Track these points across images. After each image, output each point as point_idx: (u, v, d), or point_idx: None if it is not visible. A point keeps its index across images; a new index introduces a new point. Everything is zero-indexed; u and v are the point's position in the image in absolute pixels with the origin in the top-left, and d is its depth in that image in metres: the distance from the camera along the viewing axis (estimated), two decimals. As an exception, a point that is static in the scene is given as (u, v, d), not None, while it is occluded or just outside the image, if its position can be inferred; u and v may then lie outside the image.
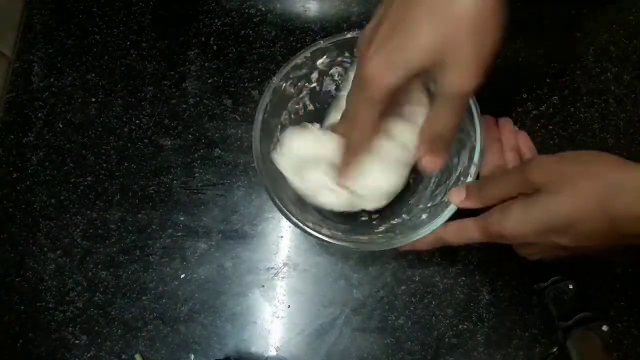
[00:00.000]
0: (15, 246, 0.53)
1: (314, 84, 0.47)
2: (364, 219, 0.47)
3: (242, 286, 0.51)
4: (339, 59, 0.45)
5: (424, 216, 0.42)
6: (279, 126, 0.45)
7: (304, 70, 0.45)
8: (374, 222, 0.46)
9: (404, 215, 0.45)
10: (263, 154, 0.42)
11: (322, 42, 0.43)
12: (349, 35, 0.43)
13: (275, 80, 0.43)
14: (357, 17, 0.58)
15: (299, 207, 0.42)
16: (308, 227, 0.39)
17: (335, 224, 0.45)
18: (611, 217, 0.30)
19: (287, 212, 0.39)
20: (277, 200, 0.40)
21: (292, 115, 0.47)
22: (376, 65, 0.33)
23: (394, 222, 0.45)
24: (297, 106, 0.47)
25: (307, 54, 0.43)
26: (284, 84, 0.44)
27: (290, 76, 0.44)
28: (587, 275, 0.47)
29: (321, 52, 0.44)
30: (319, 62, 0.45)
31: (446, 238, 0.40)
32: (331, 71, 0.46)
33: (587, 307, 0.47)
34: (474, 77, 0.32)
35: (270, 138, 0.44)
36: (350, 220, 0.46)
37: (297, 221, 0.39)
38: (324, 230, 0.40)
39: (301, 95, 0.47)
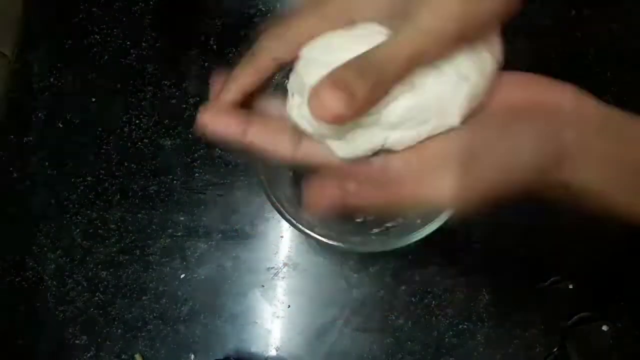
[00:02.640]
0: (15, 246, 0.53)
1: None
2: (359, 220, 0.47)
3: (242, 286, 0.51)
4: None
5: (418, 220, 0.42)
6: None
7: None
8: (368, 224, 0.46)
9: (398, 219, 0.45)
10: None
11: None
12: None
13: (277, 77, 0.43)
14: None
15: (295, 204, 0.42)
16: (302, 225, 0.39)
17: (330, 224, 0.45)
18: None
19: (281, 209, 0.39)
20: (271, 196, 0.40)
21: None
22: None
23: (388, 224, 0.45)
24: None
25: None
26: (286, 80, 0.44)
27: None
28: (587, 275, 0.47)
29: None
30: None
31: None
32: None
33: (587, 307, 0.47)
34: None
35: None
36: (345, 221, 0.46)
37: (290, 218, 0.39)
38: (318, 230, 0.40)
39: None
